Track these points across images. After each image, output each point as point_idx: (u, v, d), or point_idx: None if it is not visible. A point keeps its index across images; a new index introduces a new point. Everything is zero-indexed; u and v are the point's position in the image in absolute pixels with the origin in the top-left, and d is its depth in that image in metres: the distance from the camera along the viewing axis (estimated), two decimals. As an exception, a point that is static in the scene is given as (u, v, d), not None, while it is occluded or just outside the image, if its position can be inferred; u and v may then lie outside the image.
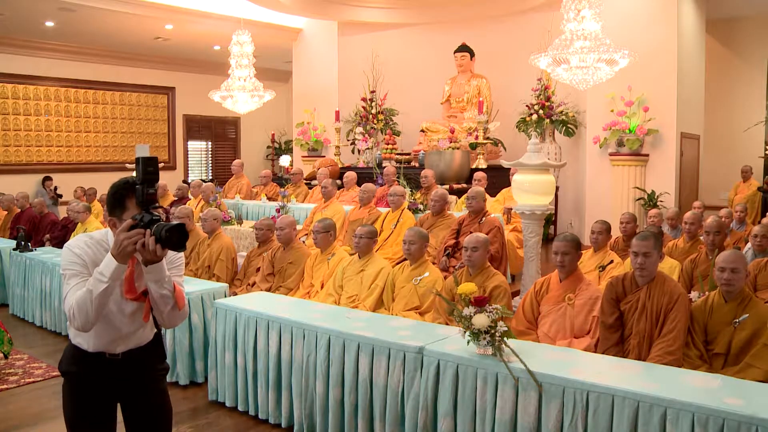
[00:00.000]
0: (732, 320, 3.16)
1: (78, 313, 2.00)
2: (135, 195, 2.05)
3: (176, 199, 8.77)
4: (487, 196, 6.32)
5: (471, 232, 4.58)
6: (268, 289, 4.95)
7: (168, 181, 9.94)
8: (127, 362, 2.21)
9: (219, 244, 5.53)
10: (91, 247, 2.14)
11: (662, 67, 8.53)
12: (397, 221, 6.23)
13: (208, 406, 4.03)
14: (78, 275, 2.09)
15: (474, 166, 9.13)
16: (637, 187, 8.82)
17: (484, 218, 5.64)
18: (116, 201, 2.11)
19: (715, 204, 9.66)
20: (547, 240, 8.19)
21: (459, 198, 7.81)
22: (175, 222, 1.97)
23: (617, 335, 3.34)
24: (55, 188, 11.46)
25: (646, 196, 8.70)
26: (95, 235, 2.21)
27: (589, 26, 6.41)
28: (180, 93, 13.78)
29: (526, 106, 9.72)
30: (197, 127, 14.46)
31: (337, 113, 10.70)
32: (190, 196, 8.71)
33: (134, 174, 2.08)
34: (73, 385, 2.23)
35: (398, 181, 7.82)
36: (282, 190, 8.56)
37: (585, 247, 4.46)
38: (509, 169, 7.17)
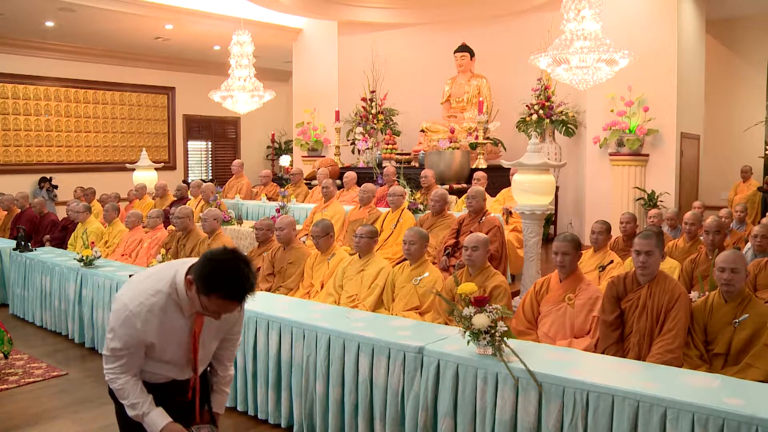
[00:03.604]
0: (732, 320, 3.15)
1: (117, 395, 2.13)
2: (221, 299, 1.95)
3: (176, 199, 8.77)
4: (487, 195, 6.32)
5: (471, 232, 4.58)
6: (268, 289, 4.95)
7: (168, 181, 9.94)
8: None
9: (219, 244, 5.50)
10: (156, 316, 2.04)
11: (662, 67, 8.53)
12: (397, 221, 6.22)
13: (208, 406, 4.02)
14: (125, 358, 2.06)
15: (474, 166, 9.13)
16: (637, 187, 8.82)
17: (484, 218, 5.64)
18: (208, 284, 1.94)
19: (715, 204, 9.67)
20: (547, 240, 8.19)
21: (459, 198, 7.81)
22: None
23: (617, 333, 3.34)
24: (50, 179, 11.48)
25: (646, 196, 8.70)
26: (159, 301, 2.05)
27: (589, 26, 6.41)
28: (180, 93, 13.78)
29: (526, 106, 9.72)
30: (197, 127, 14.46)
31: (337, 113, 10.70)
32: (190, 196, 8.71)
33: (238, 276, 1.95)
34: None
35: (398, 181, 7.82)
36: (282, 190, 8.56)
37: (585, 247, 4.46)
38: (509, 169, 7.17)
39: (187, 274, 2.01)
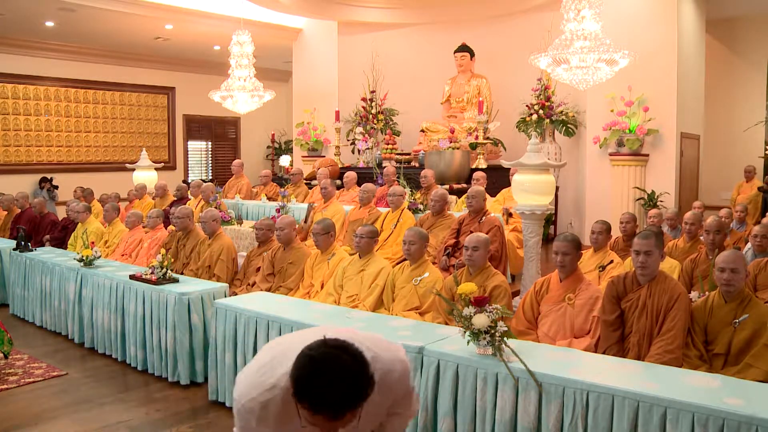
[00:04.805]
0: (732, 320, 3.15)
1: None
2: (308, 410, 1.53)
3: (176, 199, 8.78)
4: (487, 195, 6.32)
5: (471, 232, 4.59)
6: (268, 289, 4.95)
7: (168, 181, 9.95)
8: None
9: (219, 244, 5.53)
10: (273, 415, 1.69)
11: (662, 67, 8.53)
12: (397, 221, 6.22)
13: (208, 406, 4.02)
14: None
15: (474, 166, 9.13)
16: (637, 187, 8.82)
17: (484, 218, 5.65)
18: (297, 387, 1.52)
19: (715, 204, 9.66)
20: (547, 240, 8.19)
21: (459, 198, 7.82)
22: None
23: (618, 333, 3.34)
24: (51, 179, 11.49)
25: (646, 196, 8.70)
26: (275, 397, 1.66)
27: (589, 26, 6.41)
28: (180, 93, 13.78)
29: (526, 106, 9.72)
30: (197, 127, 14.46)
31: (337, 113, 10.70)
32: (190, 196, 8.71)
33: (333, 382, 1.50)
34: None
35: (398, 181, 7.82)
36: (282, 190, 8.55)
37: (585, 247, 4.46)
38: (509, 169, 7.17)
39: None
